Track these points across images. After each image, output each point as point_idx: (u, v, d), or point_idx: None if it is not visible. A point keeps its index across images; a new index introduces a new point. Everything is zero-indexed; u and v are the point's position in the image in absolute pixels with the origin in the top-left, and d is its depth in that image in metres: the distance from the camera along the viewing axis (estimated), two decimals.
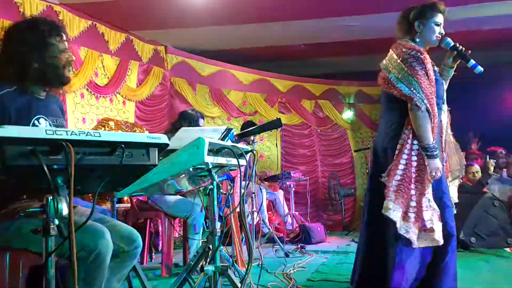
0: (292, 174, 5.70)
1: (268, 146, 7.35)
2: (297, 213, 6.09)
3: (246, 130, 3.78)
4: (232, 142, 2.41)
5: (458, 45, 2.47)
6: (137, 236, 1.81)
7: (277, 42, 6.53)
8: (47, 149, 1.11)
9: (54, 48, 1.73)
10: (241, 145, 2.15)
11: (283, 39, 6.40)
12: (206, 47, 6.60)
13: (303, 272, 3.58)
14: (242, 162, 2.01)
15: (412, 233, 2.24)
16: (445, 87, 2.56)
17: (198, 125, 3.87)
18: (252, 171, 3.79)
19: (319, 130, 7.97)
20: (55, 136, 1.11)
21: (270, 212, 6.08)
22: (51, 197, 1.19)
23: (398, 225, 2.24)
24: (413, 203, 2.28)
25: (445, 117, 2.50)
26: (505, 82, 7.39)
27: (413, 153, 2.31)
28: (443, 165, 2.42)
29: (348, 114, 8.14)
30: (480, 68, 2.40)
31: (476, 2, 5.15)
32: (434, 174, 2.29)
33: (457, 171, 2.58)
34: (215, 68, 6.88)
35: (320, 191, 7.81)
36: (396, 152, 2.34)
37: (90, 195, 3.31)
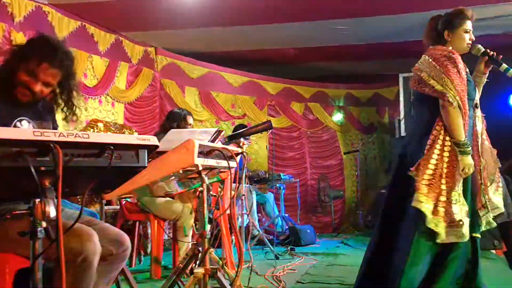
0: (282, 176, 5.69)
1: (255, 150, 7.31)
2: (287, 215, 6.10)
3: (236, 132, 3.77)
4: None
5: (489, 50, 2.49)
6: (126, 238, 1.79)
7: (267, 45, 6.53)
8: (35, 150, 1.10)
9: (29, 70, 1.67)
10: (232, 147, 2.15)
11: (273, 42, 6.40)
12: (196, 49, 6.56)
13: (293, 274, 3.58)
14: (232, 164, 2.01)
15: (441, 228, 2.26)
16: (479, 94, 2.57)
17: (186, 122, 3.86)
18: (243, 173, 3.79)
19: (309, 132, 7.97)
20: (42, 138, 1.10)
21: (260, 214, 6.08)
22: (39, 199, 1.18)
23: (428, 218, 2.26)
24: (443, 198, 2.30)
25: (480, 123, 2.52)
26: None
27: (445, 148, 2.33)
28: (478, 168, 2.44)
29: (337, 117, 8.17)
30: None
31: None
32: (466, 170, 2.31)
33: (492, 175, 2.57)
34: (204, 70, 6.83)
35: (310, 193, 7.81)
36: (427, 147, 2.35)
37: (78, 197, 3.27)
